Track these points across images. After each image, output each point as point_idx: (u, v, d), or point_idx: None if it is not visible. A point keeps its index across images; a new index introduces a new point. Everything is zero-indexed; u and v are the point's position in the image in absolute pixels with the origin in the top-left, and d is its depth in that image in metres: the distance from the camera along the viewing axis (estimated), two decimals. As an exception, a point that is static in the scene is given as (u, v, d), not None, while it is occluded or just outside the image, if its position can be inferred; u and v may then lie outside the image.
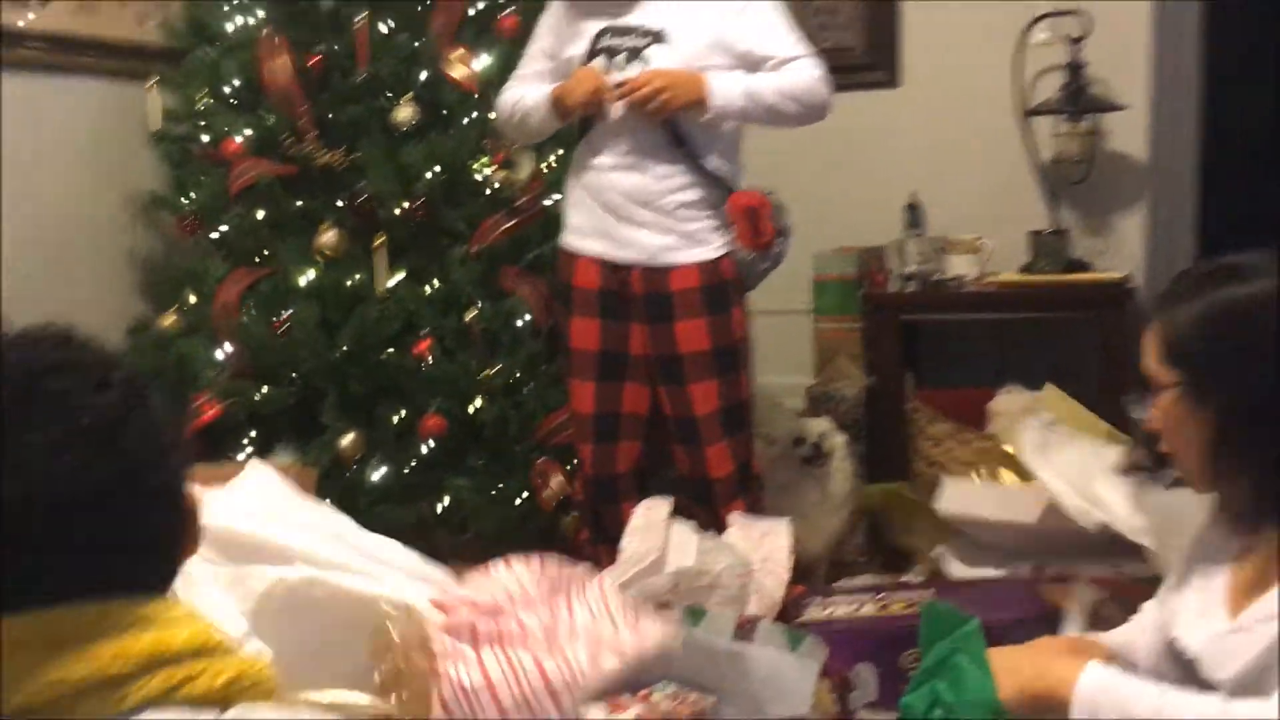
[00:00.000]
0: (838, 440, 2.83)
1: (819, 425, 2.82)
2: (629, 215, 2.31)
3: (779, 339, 3.59)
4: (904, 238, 3.43)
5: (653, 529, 2.20)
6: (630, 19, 2.30)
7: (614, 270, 2.34)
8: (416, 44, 2.83)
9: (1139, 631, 1.57)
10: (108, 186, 3.11)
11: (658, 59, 2.27)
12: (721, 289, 2.33)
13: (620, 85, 2.22)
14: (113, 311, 3.09)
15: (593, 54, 2.31)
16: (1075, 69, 3.16)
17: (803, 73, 2.32)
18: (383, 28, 2.86)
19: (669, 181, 2.29)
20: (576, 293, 2.38)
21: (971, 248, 3.28)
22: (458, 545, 2.86)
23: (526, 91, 2.40)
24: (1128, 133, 3.35)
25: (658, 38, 2.28)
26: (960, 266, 3.26)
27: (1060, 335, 3.14)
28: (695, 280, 2.30)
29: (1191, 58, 3.27)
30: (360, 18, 2.80)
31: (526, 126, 2.42)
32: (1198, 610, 1.43)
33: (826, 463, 2.79)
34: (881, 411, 3.19)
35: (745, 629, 1.89)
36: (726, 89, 2.26)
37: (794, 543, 2.71)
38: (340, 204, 2.83)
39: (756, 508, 2.41)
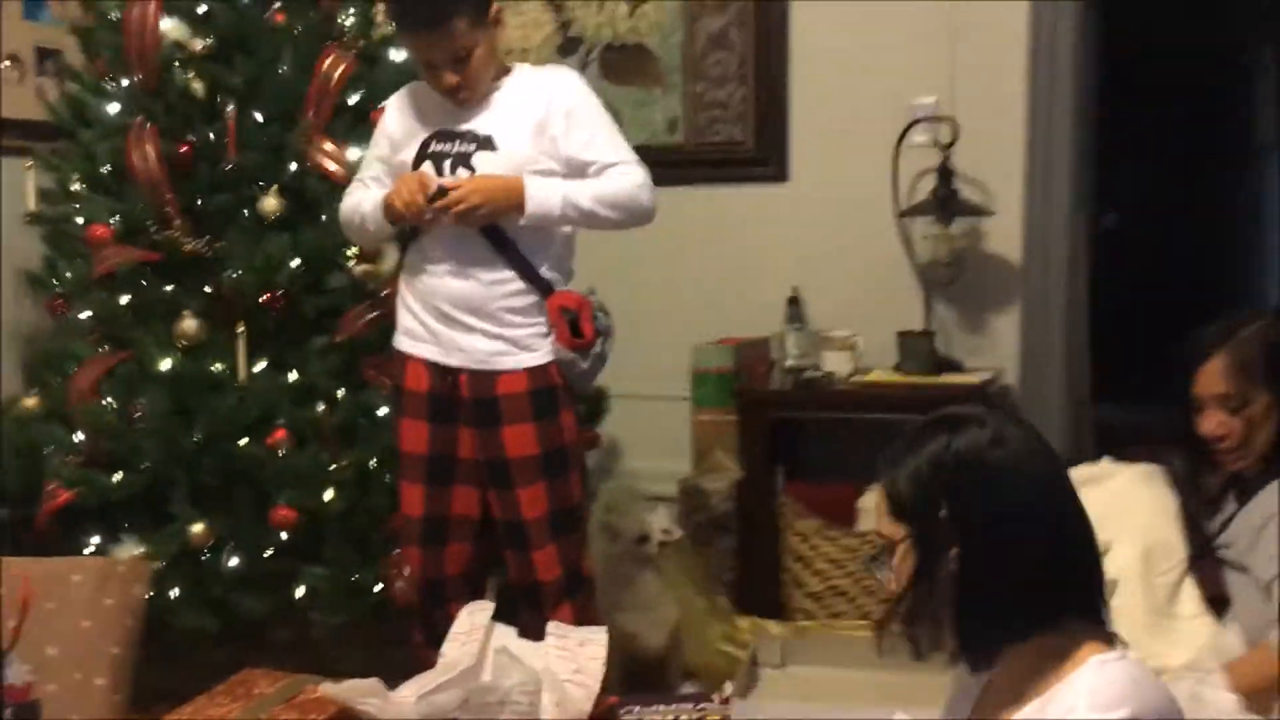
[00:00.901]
0: (677, 534, 2.85)
1: (660, 519, 2.84)
2: (458, 320, 2.33)
3: (661, 426, 3.63)
4: (785, 331, 3.48)
5: (473, 635, 2.21)
6: (459, 125, 2.35)
7: (443, 374, 2.36)
8: (286, 135, 2.86)
9: None
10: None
11: (484, 165, 2.31)
12: (550, 394, 2.35)
13: (439, 193, 2.26)
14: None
15: (421, 159, 2.34)
16: (945, 174, 3.23)
17: (623, 180, 2.36)
18: (258, 116, 2.90)
19: (498, 288, 2.32)
20: (406, 395, 2.40)
21: (845, 345, 3.32)
22: (309, 635, 2.87)
23: (365, 196, 2.44)
24: (1003, 236, 3.41)
25: (485, 144, 2.32)
26: (834, 363, 3.30)
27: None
28: (523, 385, 2.33)
29: (1064, 164, 3.34)
30: (231, 107, 2.84)
31: (366, 232, 2.46)
32: None
33: (666, 555, 2.81)
34: (751, 506, 3.21)
35: (529, 747, 1.89)
36: (544, 195, 2.30)
37: (635, 641, 2.72)
38: (208, 290, 2.86)
39: (586, 611, 2.41)
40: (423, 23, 2.25)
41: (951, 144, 3.25)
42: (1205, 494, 2.24)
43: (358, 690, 1.91)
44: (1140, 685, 1.26)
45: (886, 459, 1.41)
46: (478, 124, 2.34)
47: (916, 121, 3.36)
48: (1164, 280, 5.44)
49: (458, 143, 2.33)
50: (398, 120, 2.43)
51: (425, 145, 2.35)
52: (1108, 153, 4.68)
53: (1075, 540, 1.38)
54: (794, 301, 3.48)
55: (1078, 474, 2.43)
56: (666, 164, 3.68)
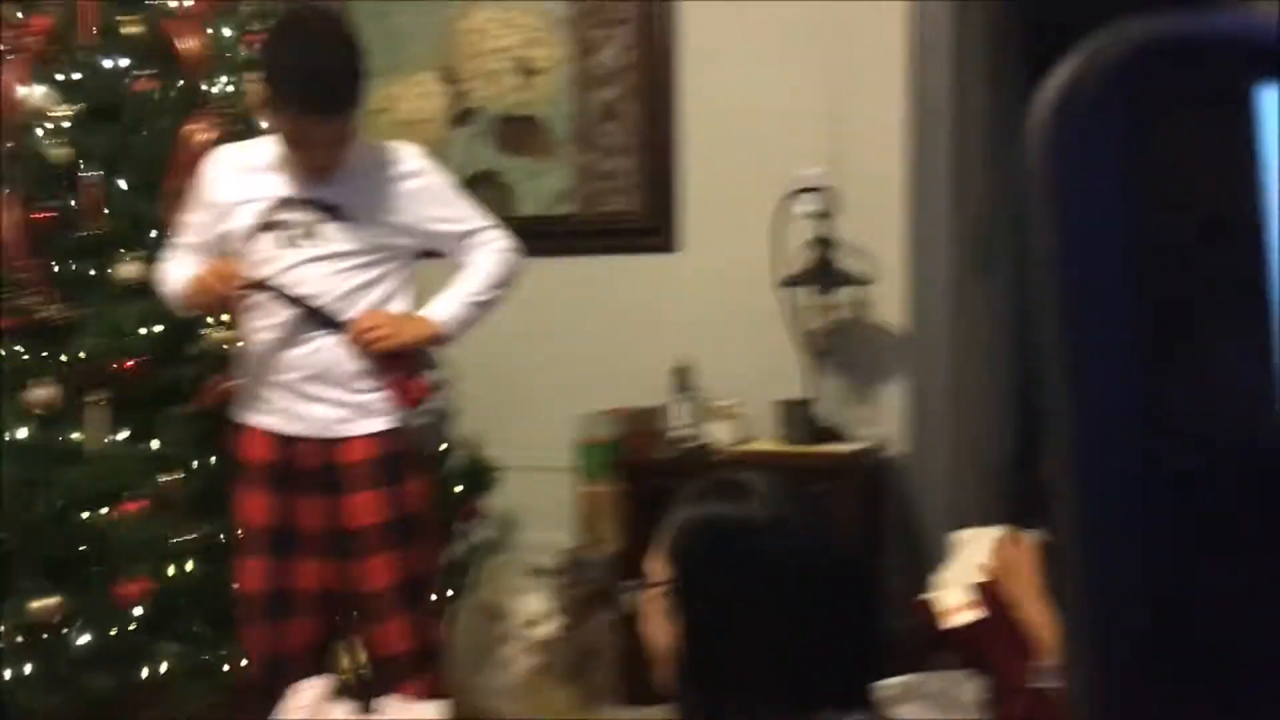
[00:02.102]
0: (554, 619, 2.78)
1: (536, 603, 2.77)
2: (299, 388, 2.28)
3: (551, 498, 3.57)
4: (671, 401, 3.45)
5: (306, 711, 2.13)
6: (302, 193, 2.29)
7: (285, 443, 2.31)
8: (149, 202, 2.82)
9: None
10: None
11: (333, 237, 2.28)
12: (396, 460, 2.30)
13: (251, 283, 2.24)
14: None
15: (265, 228, 2.29)
16: (822, 243, 3.23)
17: (494, 252, 2.40)
18: (121, 183, 2.86)
19: (337, 354, 2.28)
20: (248, 465, 2.34)
21: (729, 414, 3.30)
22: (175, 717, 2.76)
23: (175, 272, 2.39)
24: (887, 304, 3.42)
25: (333, 214, 2.28)
26: (718, 433, 3.28)
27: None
28: (368, 452, 2.28)
29: (943, 232, 3.37)
30: (94, 176, 2.80)
31: (178, 307, 2.42)
32: None
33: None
34: (631, 579, 3.14)
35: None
36: (455, 317, 2.34)
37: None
38: (65, 359, 2.79)
39: (437, 686, 2.34)
40: (324, 110, 2.19)
41: (826, 214, 3.26)
42: None
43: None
44: None
45: (679, 497, 1.37)
46: (323, 193, 2.29)
47: (798, 191, 3.37)
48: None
49: (303, 211, 2.28)
50: (225, 186, 2.33)
51: (266, 214, 2.28)
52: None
53: (833, 639, 1.25)
54: (680, 371, 3.46)
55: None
56: (558, 234, 3.70)
